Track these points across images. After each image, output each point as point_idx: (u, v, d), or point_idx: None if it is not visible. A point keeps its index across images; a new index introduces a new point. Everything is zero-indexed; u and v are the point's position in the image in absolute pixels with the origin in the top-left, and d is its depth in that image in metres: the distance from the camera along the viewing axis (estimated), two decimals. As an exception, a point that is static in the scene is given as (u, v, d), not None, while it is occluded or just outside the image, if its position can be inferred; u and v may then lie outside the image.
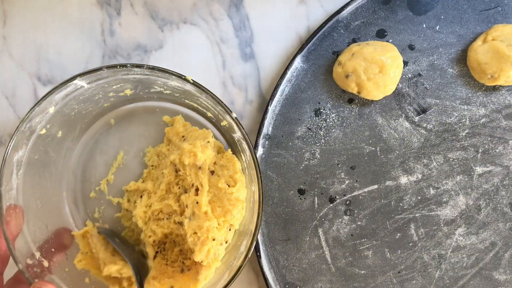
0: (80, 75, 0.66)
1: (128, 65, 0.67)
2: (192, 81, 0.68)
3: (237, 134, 0.71)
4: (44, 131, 0.72)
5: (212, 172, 0.74)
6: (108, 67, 0.67)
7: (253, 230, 0.70)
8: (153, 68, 0.67)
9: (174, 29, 0.84)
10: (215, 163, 0.75)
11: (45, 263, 0.71)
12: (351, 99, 0.81)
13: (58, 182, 0.79)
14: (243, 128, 0.69)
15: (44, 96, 0.66)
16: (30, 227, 0.71)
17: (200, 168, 0.73)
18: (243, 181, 0.74)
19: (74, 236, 0.77)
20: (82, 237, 0.77)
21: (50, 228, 0.75)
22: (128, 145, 0.82)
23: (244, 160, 0.74)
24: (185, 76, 0.67)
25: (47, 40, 0.83)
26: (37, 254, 0.70)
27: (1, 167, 0.67)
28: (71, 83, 0.67)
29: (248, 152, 0.70)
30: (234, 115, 0.69)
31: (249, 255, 0.69)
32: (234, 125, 0.70)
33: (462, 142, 0.80)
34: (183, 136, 0.77)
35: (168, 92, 0.76)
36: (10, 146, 0.67)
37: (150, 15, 0.84)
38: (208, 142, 0.74)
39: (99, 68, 0.67)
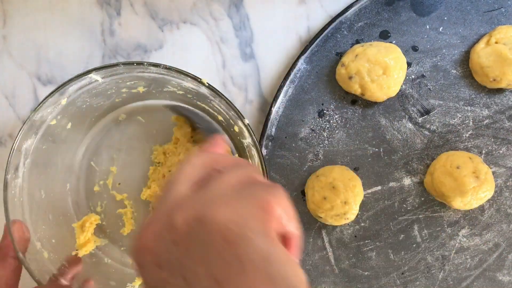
0: (96, 69, 0.67)
1: (145, 63, 0.67)
2: (207, 84, 0.68)
3: (247, 140, 0.71)
4: (54, 121, 0.72)
5: None
6: (125, 63, 0.67)
7: None
8: (169, 68, 0.67)
9: (174, 29, 0.83)
10: None
11: (45, 254, 0.71)
12: (355, 100, 0.80)
13: (63, 174, 0.80)
14: (254, 135, 0.69)
15: (58, 88, 0.67)
16: (33, 216, 0.72)
17: None
18: None
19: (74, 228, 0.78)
20: (80, 228, 0.77)
21: (52, 218, 0.76)
22: (136, 141, 0.82)
23: None
24: (200, 79, 0.67)
25: (47, 40, 0.82)
26: (38, 244, 0.70)
27: (9, 155, 0.67)
28: (86, 76, 0.67)
29: (256, 159, 0.70)
30: (246, 121, 0.69)
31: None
32: (245, 131, 0.70)
33: (466, 143, 0.80)
34: (191, 136, 0.76)
35: (181, 92, 0.75)
36: (20, 134, 0.67)
37: (150, 15, 0.83)
38: None
39: (116, 64, 0.67)
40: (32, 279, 0.67)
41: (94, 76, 0.68)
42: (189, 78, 0.68)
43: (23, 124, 0.67)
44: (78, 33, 0.83)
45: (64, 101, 0.70)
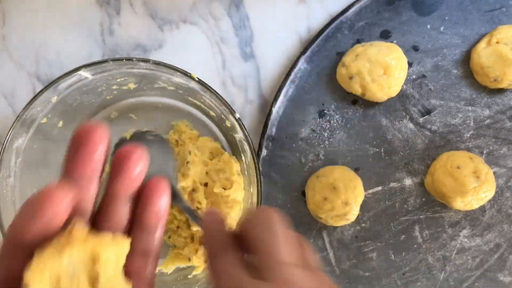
0: (85, 66, 0.66)
1: (134, 59, 0.67)
2: (197, 79, 0.67)
3: (239, 135, 0.71)
4: (45, 120, 0.72)
5: (206, 184, 0.73)
6: (114, 60, 0.67)
7: None
8: (158, 63, 0.67)
9: (174, 29, 0.83)
10: (207, 172, 0.74)
11: None
12: (355, 100, 0.80)
13: (55, 173, 0.79)
14: (245, 129, 0.69)
15: (48, 85, 0.66)
16: None
17: (193, 190, 0.73)
18: (240, 183, 0.73)
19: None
20: None
21: None
22: (128, 139, 0.81)
23: (244, 161, 0.73)
24: (190, 74, 0.67)
25: (46, 40, 0.82)
26: None
27: (0, 154, 0.67)
28: (75, 73, 0.67)
29: (248, 153, 0.70)
30: (237, 115, 0.69)
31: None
32: (237, 125, 0.69)
33: (467, 144, 0.80)
34: (190, 138, 0.77)
35: (171, 88, 0.75)
36: (10, 133, 0.67)
37: (150, 14, 0.83)
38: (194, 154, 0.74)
39: (104, 61, 0.67)
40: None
41: (83, 73, 0.68)
42: (178, 73, 0.68)
43: (13, 123, 0.67)
44: (78, 33, 0.82)
45: (54, 99, 0.70)
